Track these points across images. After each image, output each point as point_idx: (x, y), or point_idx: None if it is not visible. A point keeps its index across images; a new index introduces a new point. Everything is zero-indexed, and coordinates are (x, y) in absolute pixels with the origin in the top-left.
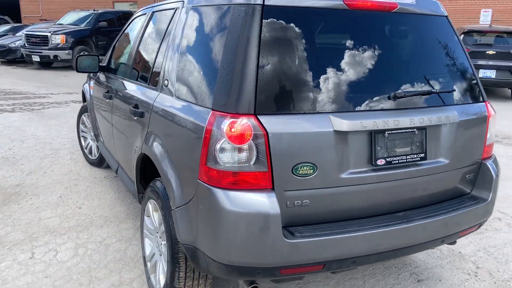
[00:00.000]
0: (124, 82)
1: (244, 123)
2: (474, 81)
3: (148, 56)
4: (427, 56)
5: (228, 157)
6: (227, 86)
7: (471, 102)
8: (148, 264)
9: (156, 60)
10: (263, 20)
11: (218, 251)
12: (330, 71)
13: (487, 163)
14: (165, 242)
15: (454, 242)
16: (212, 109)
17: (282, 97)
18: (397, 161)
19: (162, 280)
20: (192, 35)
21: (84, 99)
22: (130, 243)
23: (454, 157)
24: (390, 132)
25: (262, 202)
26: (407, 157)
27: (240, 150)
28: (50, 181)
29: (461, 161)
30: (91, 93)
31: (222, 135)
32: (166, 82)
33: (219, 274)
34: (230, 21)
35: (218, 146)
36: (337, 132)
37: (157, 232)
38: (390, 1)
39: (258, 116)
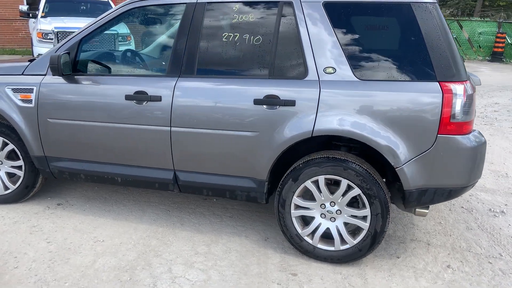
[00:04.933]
0: (198, 81)
1: (467, 86)
2: None
3: (253, 49)
4: None
5: (462, 112)
6: (448, 64)
7: None
8: (307, 238)
9: (279, 52)
10: (439, 12)
11: (461, 179)
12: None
13: None
14: (342, 207)
15: None
16: (439, 81)
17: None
18: None
19: (351, 239)
20: (352, 27)
21: None
22: (220, 242)
23: None
24: None
25: (481, 137)
26: None
27: (465, 105)
28: None
29: None
30: (36, 102)
31: (460, 97)
32: (330, 69)
33: (441, 199)
34: (418, 15)
35: (457, 105)
36: None
37: (326, 203)
38: None
39: (467, 81)
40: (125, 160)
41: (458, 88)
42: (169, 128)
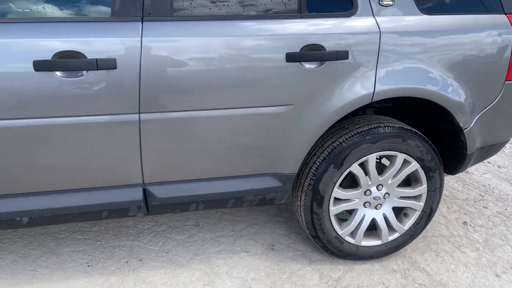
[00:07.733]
0: (187, 26)
1: None
2: None
3: None
4: None
5: None
6: None
7: None
8: (348, 238)
9: None
10: None
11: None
12: None
13: None
14: (392, 189)
15: None
16: (506, 14)
17: None
18: None
19: (401, 225)
20: None
21: None
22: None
23: None
24: None
25: None
26: None
27: None
28: None
29: None
30: None
31: None
32: (388, 2)
33: (484, 158)
34: None
35: None
36: None
37: (372, 188)
38: None
39: None
40: (38, 185)
41: None
42: (137, 115)
